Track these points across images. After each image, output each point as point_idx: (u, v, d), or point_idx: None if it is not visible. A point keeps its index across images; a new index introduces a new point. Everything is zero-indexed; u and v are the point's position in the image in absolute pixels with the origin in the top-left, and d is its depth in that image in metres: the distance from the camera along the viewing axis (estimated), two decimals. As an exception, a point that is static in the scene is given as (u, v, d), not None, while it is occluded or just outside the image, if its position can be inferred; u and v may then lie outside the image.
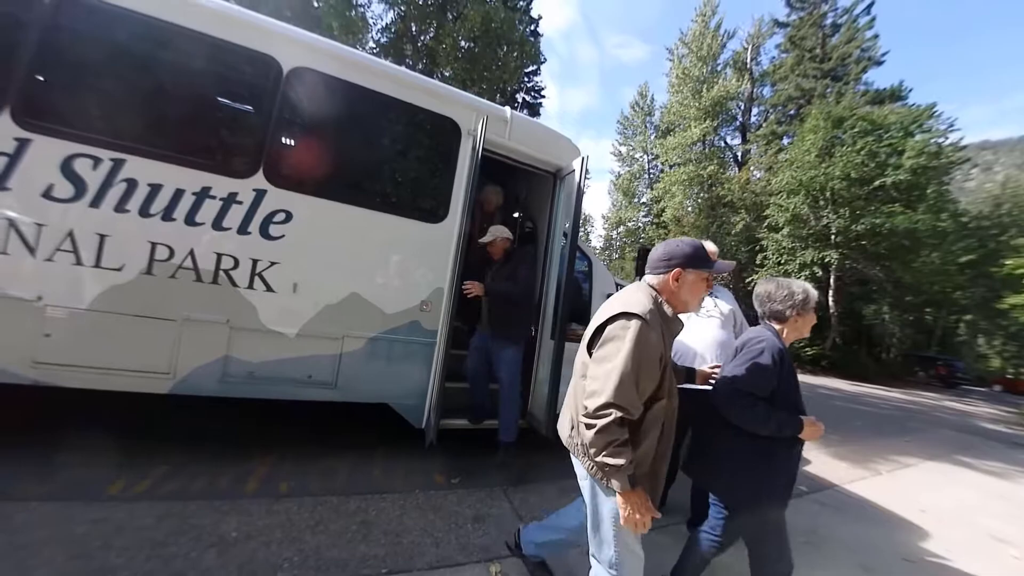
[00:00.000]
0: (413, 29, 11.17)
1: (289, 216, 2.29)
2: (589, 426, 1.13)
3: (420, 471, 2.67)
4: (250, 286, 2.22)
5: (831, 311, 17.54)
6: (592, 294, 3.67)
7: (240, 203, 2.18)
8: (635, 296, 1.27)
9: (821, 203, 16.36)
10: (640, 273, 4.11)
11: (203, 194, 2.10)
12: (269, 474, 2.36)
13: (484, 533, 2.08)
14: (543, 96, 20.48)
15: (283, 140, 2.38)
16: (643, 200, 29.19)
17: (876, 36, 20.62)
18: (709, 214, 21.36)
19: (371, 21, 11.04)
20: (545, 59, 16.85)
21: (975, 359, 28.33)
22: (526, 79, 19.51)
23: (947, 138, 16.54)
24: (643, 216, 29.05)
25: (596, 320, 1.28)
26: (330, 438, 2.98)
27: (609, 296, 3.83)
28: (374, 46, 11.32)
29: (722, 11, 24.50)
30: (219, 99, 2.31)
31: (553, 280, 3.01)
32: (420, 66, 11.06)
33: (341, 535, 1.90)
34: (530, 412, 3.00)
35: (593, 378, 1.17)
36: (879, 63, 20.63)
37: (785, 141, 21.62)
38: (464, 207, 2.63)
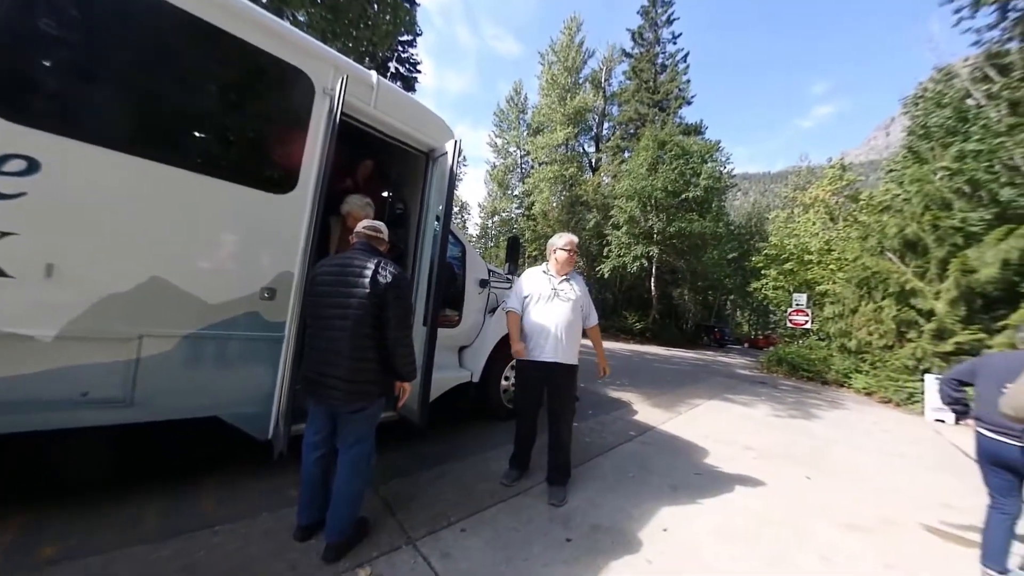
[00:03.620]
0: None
1: (33, 165, 1.55)
2: None
3: (268, 489, 2.23)
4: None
5: (653, 294, 22.17)
6: (465, 280, 3.65)
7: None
8: None
9: (648, 208, 20.37)
10: (511, 261, 4.48)
11: None
12: (19, 538, 1.66)
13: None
14: (419, 71, 19.48)
15: (23, 51, 1.59)
16: (516, 193, 30.99)
17: (688, 81, 26.41)
18: (569, 210, 24.23)
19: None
20: (421, 31, 15.99)
21: (735, 326, 39.80)
22: (400, 48, 18.25)
23: (725, 168, 22.56)
24: (516, 208, 30.90)
25: None
26: (138, 472, 2.26)
27: (482, 282, 3.96)
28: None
29: (585, 29, 27.56)
30: None
31: (426, 264, 2.87)
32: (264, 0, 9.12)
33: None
34: (403, 403, 2.90)
35: None
36: (689, 102, 26.49)
37: (626, 154, 25.88)
38: (319, 179, 2.23)
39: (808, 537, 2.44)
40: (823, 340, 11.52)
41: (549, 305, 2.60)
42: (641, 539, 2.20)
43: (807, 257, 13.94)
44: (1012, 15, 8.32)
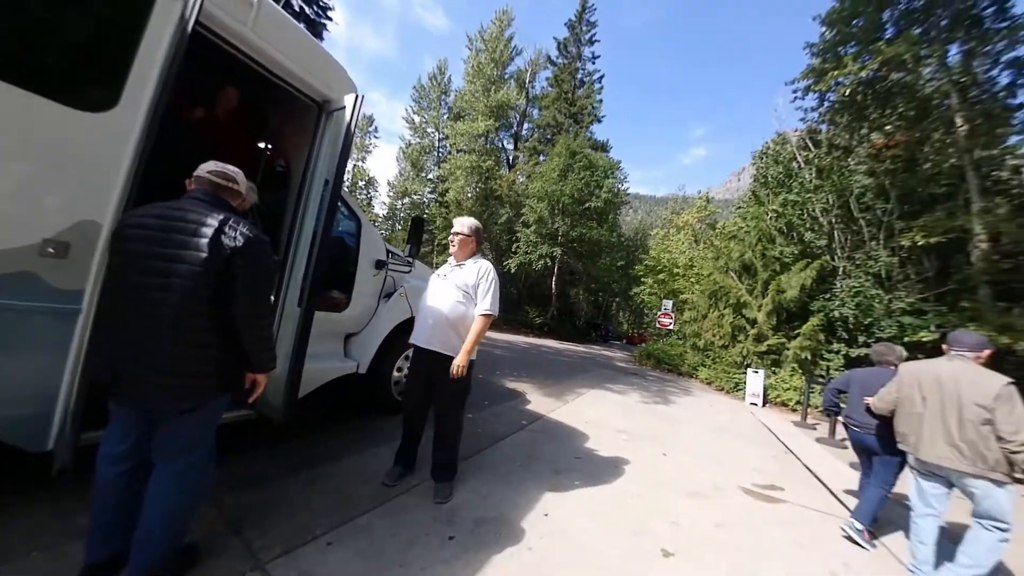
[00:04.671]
0: None
1: None
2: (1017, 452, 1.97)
3: (44, 518, 1.70)
4: None
5: (553, 291, 23.76)
6: (359, 259, 3.27)
7: None
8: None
9: (556, 211, 21.72)
10: (413, 243, 4.09)
11: None
12: None
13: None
14: (329, 18, 17.18)
15: None
16: (430, 176, 29.87)
17: (601, 101, 28.79)
18: (483, 203, 24.37)
19: None
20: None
21: (618, 325, 45.15)
22: (309, -13, 15.90)
23: (623, 185, 25.32)
24: (429, 192, 29.79)
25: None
26: None
27: (379, 263, 3.53)
28: None
29: (516, 26, 27.86)
30: None
31: (307, 236, 2.45)
32: None
33: None
34: (262, 398, 2.30)
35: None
36: (599, 120, 28.88)
37: (541, 158, 27.10)
38: (153, 101, 1.70)
39: (662, 506, 2.82)
40: (681, 339, 13.84)
41: (433, 290, 2.49)
42: (524, 527, 2.24)
43: (675, 270, 16.59)
44: (826, 104, 11.12)
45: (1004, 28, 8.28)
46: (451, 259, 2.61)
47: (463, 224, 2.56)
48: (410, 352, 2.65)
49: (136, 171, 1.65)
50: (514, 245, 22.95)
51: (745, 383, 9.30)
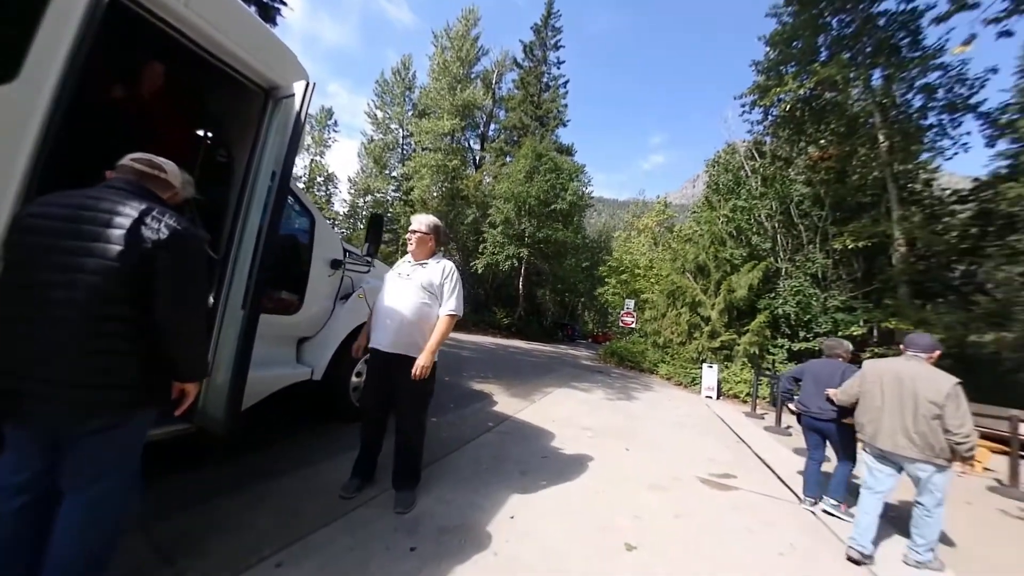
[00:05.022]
0: None
1: None
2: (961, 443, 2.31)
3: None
4: None
5: (520, 292, 23.93)
6: (312, 258, 3.09)
7: None
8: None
9: (522, 212, 21.90)
10: (372, 242, 3.84)
11: None
12: None
13: None
14: (284, 3, 16.25)
15: None
16: (394, 174, 29.11)
17: (566, 105, 29.37)
18: (449, 203, 24.10)
19: None
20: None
21: (583, 325, 46.22)
22: (262, -29, 14.94)
23: (587, 188, 25.97)
24: (393, 190, 29.02)
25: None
26: None
27: (334, 263, 3.37)
28: None
29: (483, 25, 27.81)
30: None
31: (251, 232, 2.25)
32: None
33: None
34: (202, 409, 2.14)
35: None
36: (564, 124, 29.46)
37: (508, 159, 27.22)
38: (61, 73, 1.48)
39: (625, 501, 2.88)
40: (643, 337, 14.44)
41: (392, 289, 2.36)
42: (489, 532, 2.19)
43: (637, 271, 17.29)
44: (770, 118, 12.05)
45: (916, 57, 9.38)
46: (408, 258, 2.51)
47: (421, 221, 2.47)
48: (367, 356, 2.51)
49: (39, 155, 1.43)
50: (481, 246, 22.88)
51: (701, 377, 9.84)
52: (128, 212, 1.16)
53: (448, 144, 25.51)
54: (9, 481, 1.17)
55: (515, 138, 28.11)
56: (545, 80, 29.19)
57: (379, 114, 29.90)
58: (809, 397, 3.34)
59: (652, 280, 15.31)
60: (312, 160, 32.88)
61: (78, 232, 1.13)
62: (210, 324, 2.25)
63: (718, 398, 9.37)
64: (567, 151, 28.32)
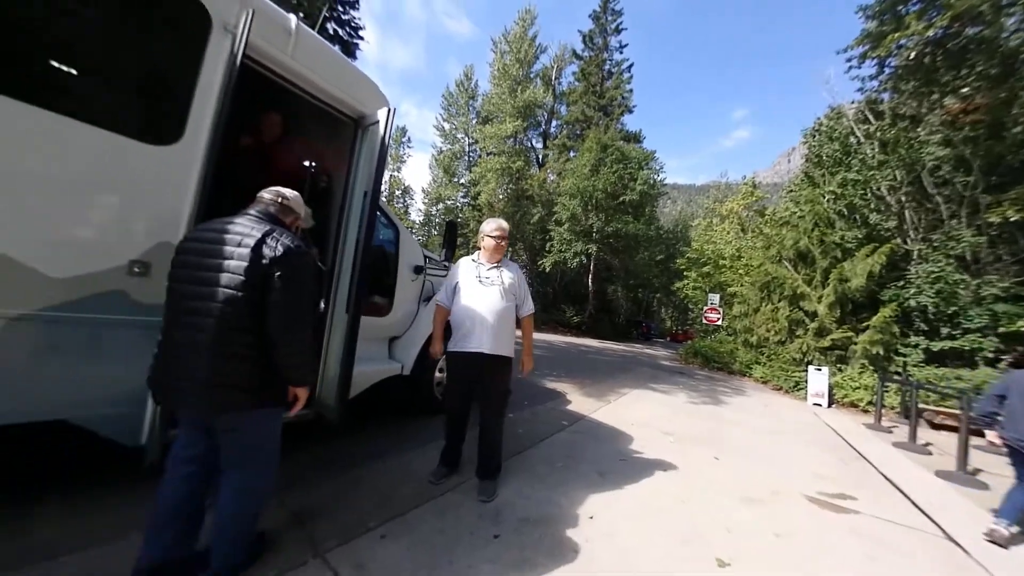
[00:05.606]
0: None
1: None
2: None
3: (132, 507, 1.85)
4: None
5: (590, 289, 23.34)
6: (398, 265, 3.41)
7: None
8: None
9: (589, 207, 21.31)
10: (449, 247, 4.21)
11: None
12: None
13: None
14: (361, 37, 17.98)
15: None
16: (462, 181, 30.41)
17: (631, 90, 27.89)
18: (515, 203, 24.42)
19: None
20: (366, -5, 14.79)
21: (661, 322, 43.55)
22: (340, 9, 16.72)
23: (659, 176, 24.35)
24: (462, 196, 30.33)
25: None
26: None
27: (417, 268, 3.69)
28: None
29: (539, 24, 27.71)
30: None
31: (351, 245, 2.58)
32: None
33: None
34: (319, 398, 2.51)
35: None
36: (631, 111, 28.02)
37: (572, 154, 26.70)
38: (212, 131, 1.88)
39: (715, 512, 2.65)
40: (731, 335, 13.07)
41: (477, 293, 2.47)
42: (569, 529, 2.21)
43: (721, 262, 15.67)
44: (887, 70, 10.02)
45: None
46: (480, 259, 2.58)
47: (499, 227, 2.57)
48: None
49: (201, 195, 1.85)
50: (548, 244, 22.80)
51: (806, 382, 8.59)
52: (254, 234, 1.38)
53: (511, 146, 25.87)
54: (182, 454, 1.49)
55: (578, 132, 27.46)
56: (607, 68, 28.02)
57: (446, 126, 31.45)
58: (1016, 420, 2.70)
59: (740, 271, 13.77)
60: (391, 176, 35.86)
61: (217, 252, 1.36)
62: (320, 326, 2.60)
63: (829, 406, 8.10)
64: (634, 138, 26.86)
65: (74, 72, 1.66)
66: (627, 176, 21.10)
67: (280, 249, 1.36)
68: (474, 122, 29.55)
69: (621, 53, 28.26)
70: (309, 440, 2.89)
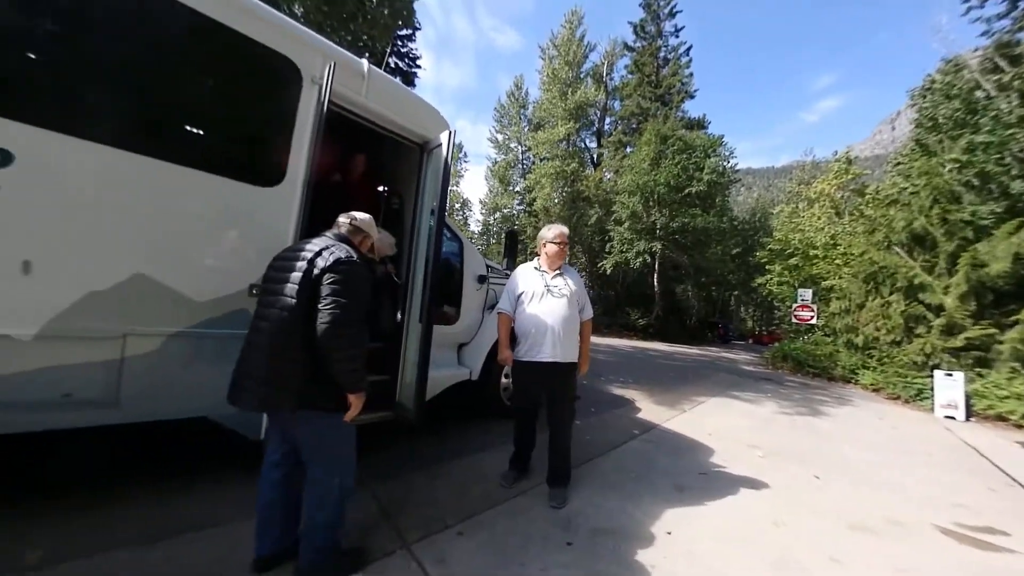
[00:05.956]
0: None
1: (7, 157, 1.49)
2: None
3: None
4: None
5: (656, 290, 22.07)
6: (463, 276, 3.60)
7: None
8: None
9: (651, 203, 20.24)
10: (510, 256, 4.41)
11: None
12: (6, 545, 1.63)
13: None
14: (419, 66, 19.34)
15: None
16: (517, 189, 30.88)
17: (691, 74, 26.14)
18: (571, 207, 24.10)
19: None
20: (420, 26, 15.90)
21: (740, 322, 39.66)
22: (399, 43, 18.13)
23: (729, 162, 22.35)
24: (517, 204, 30.79)
25: None
26: (123, 473, 2.23)
27: (480, 278, 3.84)
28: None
29: (587, 23, 27.31)
30: None
31: (421, 260, 2.81)
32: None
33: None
34: (399, 402, 2.76)
35: None
36: (692, 96, 26.24)
37: (628, 150, 25.68)
38: (307, 170, 2.20)
39: (815, 539, 2.36)
40: (829, 336, 11.41)
41: (543, 302, 2.48)
42: (644, 543, 2.12)
43: (812, 252, 13.80)
44: (1022, 4, 8.12)
45: None
46: (541, 266, 2.59)
47: (561, 233, 2.58)
48: None
49: (300, 224, 2.18)
50: (607, 245, 22.07)
51: (932, 389, 7.17)
52: (314, 249, 1.53)
53: (564, 149, 25.65)
54: (270, 457, 1.64)
55: (634, 126, 26.38)
56: (662, 55, 26.61)
57: (499, 137, 32.26)
58: None
59: (837, 261, 12.05)
60: (450, 190, 37.68)
61: (288, 267, 1.53)
62: (397, 335, 2.84)
63: (967, 419, 6.66)
64: (698, 125, 25.06)
65: (200, 132, 2.07)
66: (692, 166, 19.67)
67: (331, 260, 1.47)
68: (526, 130, 29.89)
69: (677, 37, 26.71)
70: (397, 437, 3.14)
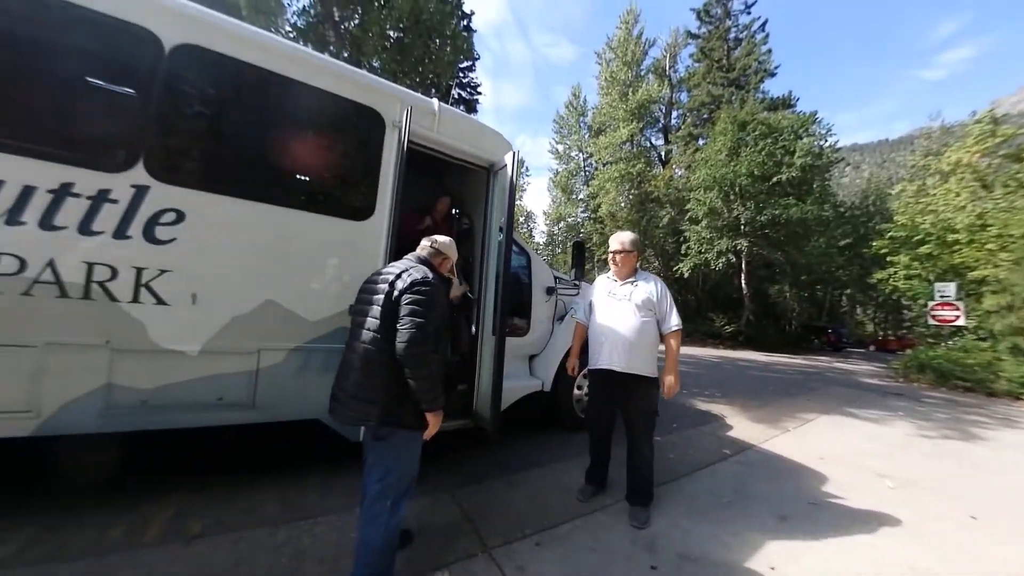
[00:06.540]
0: (335, 14, 10.38)
1: (180, 216, 1.96)
2: None
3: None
4: (135, 299, 1.86)
5: (744, 292, 19.76)
6: (532, 289, 3.69)
7: (115, 201, 1.82)
8: None
9: (732, 197, 18.33)
10: (577, 266, 4.30)
11: (63, 192, 1.74)
12: (176, 516, 2.04)
13: (430, 541, 1.99)
14: (479, 93, 20.44)
15: (169, 128, 2.02)
16: (581, 196, 30.41)
17: (770, 51, 23.57)
18: (639, 209, 22.91)
19: (285, 1, 10.04)
20: (479, 56, 16.83)
21: (855, 325, 33.67)
22: (461, 75, 19.30)
23: (827, 141, 19.40)
24: (581, 212, 30.28)
25: None
26: (257, 464, 2.68)
27: (549, 290, 3.87)
28: (290, 30, 10.33)
29: (643, 20, 26.29)
30: (83, 78, 1.87)
31: (492, 276, 2.96)
32: (345, 54, 10.35)
33: (268, 572, 1.70)
34: (475, 412, 2.92)
35: None
36: (772, 74, 23.57)
37: (701, 142, 23.79)
38: (392, 203, 2.49)
39: None
40: (984, 340, 9.03)
41: (609, 311, 2.47)
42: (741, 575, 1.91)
43: (951, 237, 11.16)
44: None
45: None
46: (612, 276, 2.58)
47: (622, 240, 2.52)
48: (587, 370, 2.74)
49: (389, 253, 2.48)
50: (683, 246, 20.44)
51: None
52: (394, 271, 1.63)
53: (628, 151, 24.65)
54: (367, 462, 1.65)
55: (705, 116, 24.47)
56: (732, 36, 24.48)
57: (559, 148, 32.21)
58: None
59: (990, 246, 9.58)
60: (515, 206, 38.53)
61: (372, 290, 1.66)
62: (472, 348, 3.03)
63: None
64: (783, 104, 22.38)
65: (308, 180, 2.48)
66: (779, 151, 17.44)
67: (408, 281, 1.56)
68: (587, 137, 29.43)
69: (748, 14, 24.40)
70: (476, 445, 3.22)
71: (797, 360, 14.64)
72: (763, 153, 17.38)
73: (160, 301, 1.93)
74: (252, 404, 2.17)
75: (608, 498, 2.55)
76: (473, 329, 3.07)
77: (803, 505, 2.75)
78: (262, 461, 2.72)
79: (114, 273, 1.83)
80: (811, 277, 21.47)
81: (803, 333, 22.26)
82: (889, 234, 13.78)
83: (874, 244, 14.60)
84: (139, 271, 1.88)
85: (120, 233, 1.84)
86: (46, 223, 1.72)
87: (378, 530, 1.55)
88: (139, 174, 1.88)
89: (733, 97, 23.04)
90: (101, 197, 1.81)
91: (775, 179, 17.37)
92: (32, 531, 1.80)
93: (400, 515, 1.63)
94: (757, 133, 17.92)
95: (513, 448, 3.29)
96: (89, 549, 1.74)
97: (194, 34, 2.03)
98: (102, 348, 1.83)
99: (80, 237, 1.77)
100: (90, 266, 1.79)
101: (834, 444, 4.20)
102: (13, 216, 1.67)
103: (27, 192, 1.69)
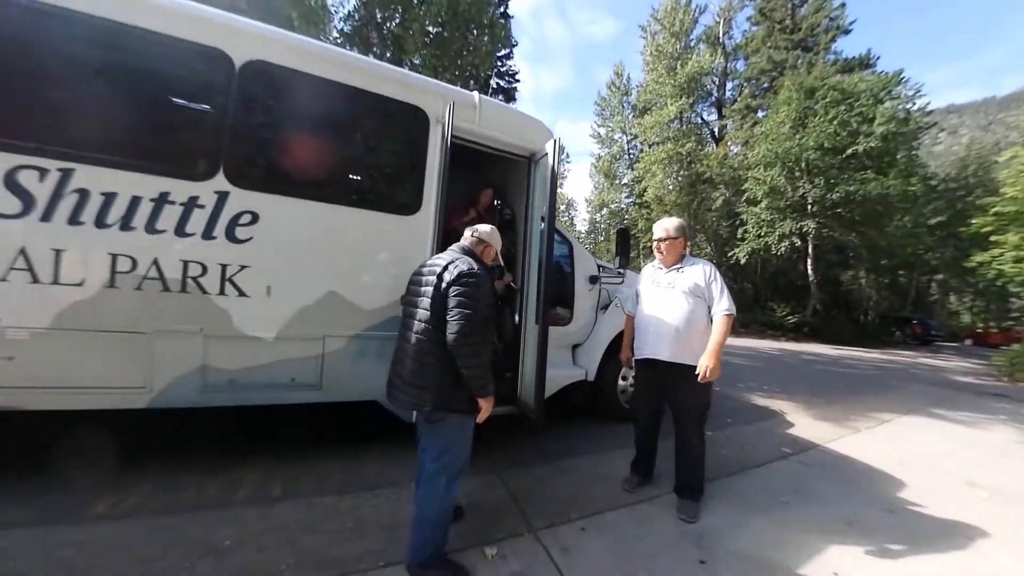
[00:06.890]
0: (378, 16, 10.77)
1: (256, 217, 2.20)
2: None
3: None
4: (221, 292, 2.14)
5: (811, 279, 18.07)
6: (575, 277, 3.68)
7: (202, 207, 2.09)
8: None
9: (797, 174, 16.69)
10: (622, 254, 4.19)
11: (162, 200, 2.02)
12: (261, 480, 2.35)
13: (478, 518, 2.10)
14: (517, 80, 20.20)
15: (242, 139, 2.26)
16: (624, 181, 29.21)
17: (843, 4, 20.83)
18: (689, 191, 21.54)
19: (332, 9, 10.59)
20: (516, 42, 16.60)
21: (947, 316, 29.61)
22: (499, 63, 19.14)
23: (915, 103, 16.95)
24: (625, 197, 29.13)
25: None
26: (324, 439, 2.98)
27: (592, 278, 3.85)
28: (338, 35, 10.89)
29: (693, -16, 24.28)
30: (170, 99, 2.15)
31: (534, 265, 2.99)
32: (388, 55, 10.71)
33: (337, 534, 1.91)
34: (520, 399, 3.02)
35: None
36: (847, 32, 20.90)
37: (760, 114, 21.82)
38: (438, 197, 2.59)
39: None
40: None
41: (654, 299, 2.43)
42: None
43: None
44: None
45: None
46: (659, 264, 2.53)
47: (667, 226, 2.45)
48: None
49: (436, 245, 2.58)
50: (739, 230, 19.00)
51: None
52: (441, 263, 1.70)
53: (677, 129, 23.13)
54: (424, 451, 1.75)
55: (766, 85, 22.37)
56: (799, -9, 21.83)
57: (602, 131, 30.93)
58: None
59: None
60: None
61: (421, 281, 1.75)
62: (516, 337, 3.10)
63: None
64: (861, 64, 19.89)
65: (361, 179, 2.68)
66: (856, 119, 15.49)
67: (455, 273, 1.62)
68: (631, 117, 28.02)
69: (819, -36, 21.51)
70: (520, 432, 3.31)
71: (873, 354, 13.21)
72: (835, 122, 15.52)
73: (241, 293, 2.19)
74: (319, 385, 2.42)
75: (655, 490, 2.53)
76: (516, 318, 3.15)
77: (876, 511, 2.56)
78: (327, 438, 3.01)
79: (204, 269, 2.11)
80: (893, 262, 19.08)
81: (881, 324, 19.93)
82: (994, 209, 11.79)
83: (974, 222, 12.60)
84: (223, 267, 2.15)
85: (207, 234, 2.11)
86: (151, 228, 2.01)
87: (434, 505, 1.66)
88: (220, 181, 2.13)
89: (799, 61, 20.72)
90: (192, 203, 2.08)
91: (850, 151, 15.50)
92: (148, 487, 2.17)
93: (454, 492, 1.73)
94: (828, 100, 16.00)
95: (560, 437, 3.34)
96: (193, 504, 2.06)
97: (258, 50, 2.23)
98: (198, 334, 2.13)
99: (177, 239, 2.06)
100: (185, 264, 2.08)
101: (916, 447, 3.82)
102: (125, 223, 1.97)
103: (135, 202, 1.98)
